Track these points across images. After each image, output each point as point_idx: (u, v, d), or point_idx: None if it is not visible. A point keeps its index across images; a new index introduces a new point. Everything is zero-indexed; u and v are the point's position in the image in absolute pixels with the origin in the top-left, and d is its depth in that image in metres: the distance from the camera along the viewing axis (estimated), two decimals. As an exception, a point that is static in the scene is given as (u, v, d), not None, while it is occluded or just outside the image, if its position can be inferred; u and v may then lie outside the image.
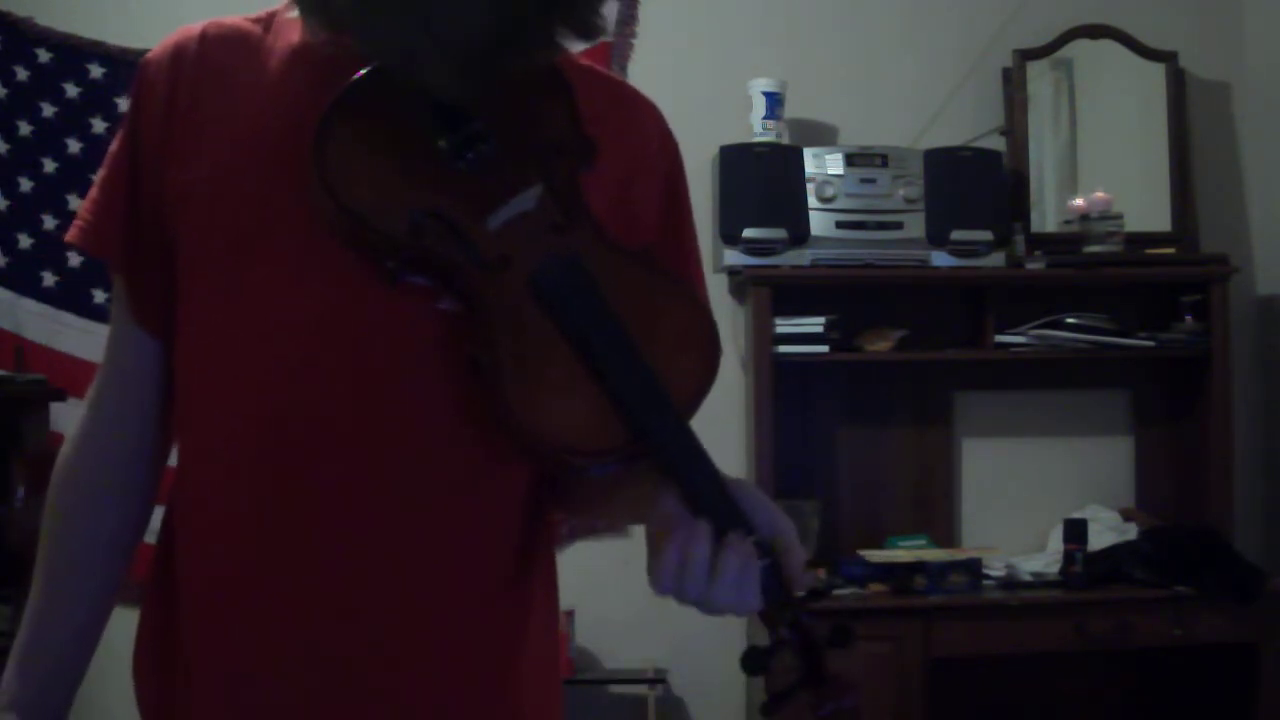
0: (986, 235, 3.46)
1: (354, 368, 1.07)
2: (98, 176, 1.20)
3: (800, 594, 1.02)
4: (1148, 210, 3.62)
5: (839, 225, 3.42)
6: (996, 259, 3.46)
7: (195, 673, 1.13)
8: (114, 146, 1.19)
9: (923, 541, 3.52)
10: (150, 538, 1.25)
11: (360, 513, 1.07)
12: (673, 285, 1.11)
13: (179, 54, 1.18)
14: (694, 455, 1.01)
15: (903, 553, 3.41)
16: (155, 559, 1.20)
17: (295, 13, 1.17)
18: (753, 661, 1.03)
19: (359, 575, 1.08)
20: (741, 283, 3.50)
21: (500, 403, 1.00)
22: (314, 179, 1.04)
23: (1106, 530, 3.47)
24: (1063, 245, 3.55)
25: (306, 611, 1.08)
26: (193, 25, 1.20)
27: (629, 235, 1.12)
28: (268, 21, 1.18)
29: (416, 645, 1.10)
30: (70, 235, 1.20)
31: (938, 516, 3.62)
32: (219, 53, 1.16)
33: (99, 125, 3.57)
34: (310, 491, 1.07)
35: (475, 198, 1.06)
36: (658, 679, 3.38)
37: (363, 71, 1.08)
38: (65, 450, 1.22)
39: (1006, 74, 3.70)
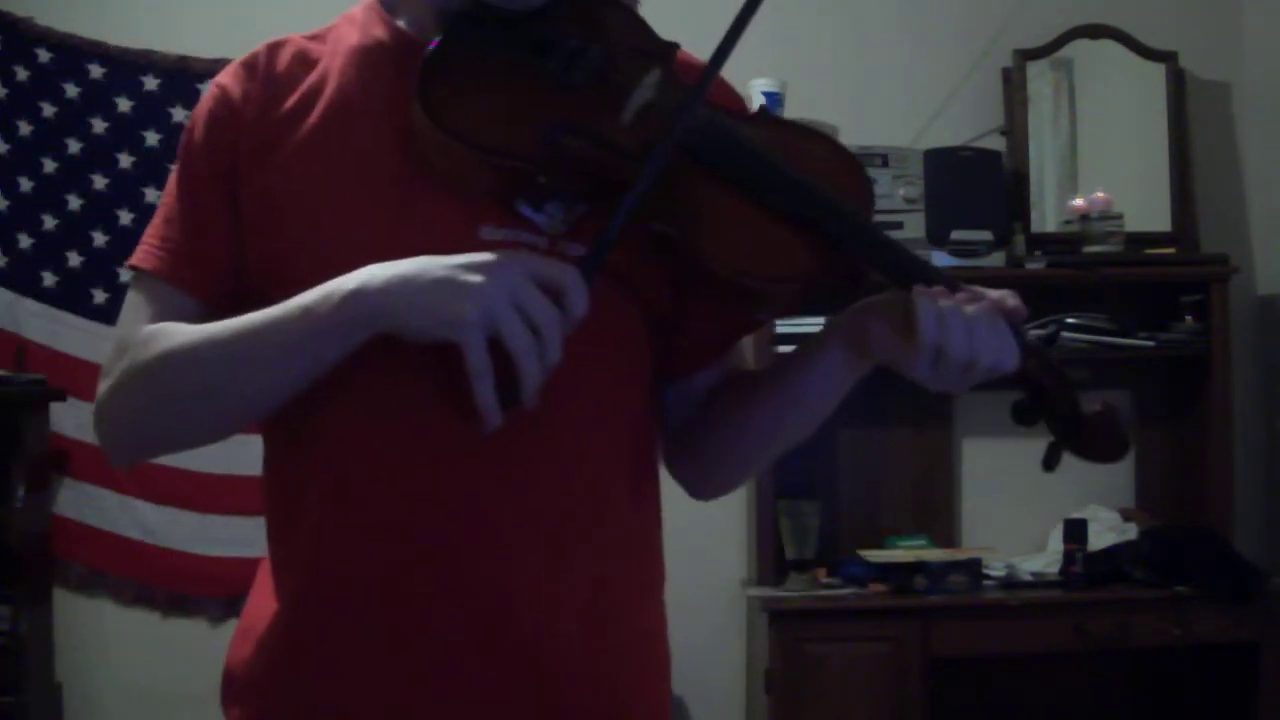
0: (986, 235, 3.46)
1: None
2: (163, 204, 1.23)
3: (1044, 335, 1.11)
4: (1148, 210, 3.61)
5: (839, 225, 3.41)
6: (996, 259, 3.46)
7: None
8: (176, 176, 1.22)
9: (923, 541, 3.52)
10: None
11: (502, 456, 1.10)
12: (800, 130, 1.22)
13: (249, 68, 1.22)
14: (890, 245, 1.12)
15: (903, 553, 3.41)
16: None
17: (349, 20, 1.23)
18: (1024, 412, 1.12)
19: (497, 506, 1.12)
20: (741, 283, 3.50)
21: (701, 260, 1.08)
22: (431, 131, 1.09)
23: (1106, 530, 3.47)
24: (1063, 245, 3.55)
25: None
26: (257, 46, 1.24)
27: None
28: (322, 35, 1.25)
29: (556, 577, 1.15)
30: (149, 264, 1.21)
31: (938, 516, 3.62)
32: (284, 65, 1.22)
33: (99, 125, 3.57)
34: (448, 441, 1.10)
35: (599, 102, 1.13)
36: (658, 679, 3.38)
37: (436, 38, 1.14)
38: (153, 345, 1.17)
39: (1006, 74, 3.70)
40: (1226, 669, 3.38)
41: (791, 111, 3.54)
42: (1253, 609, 3.27)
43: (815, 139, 1.23)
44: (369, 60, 1.20)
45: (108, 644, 3.56)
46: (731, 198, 1.11)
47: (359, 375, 1.11)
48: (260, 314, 1.11)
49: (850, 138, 3.64)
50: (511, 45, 1.14)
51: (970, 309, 1.07)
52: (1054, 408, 1.12)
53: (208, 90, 1.24)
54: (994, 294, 1.10)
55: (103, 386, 1.20)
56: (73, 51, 3.57)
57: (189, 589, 3.51)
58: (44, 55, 3.57)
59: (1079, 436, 1.13)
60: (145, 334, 1.17)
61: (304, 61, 1.22)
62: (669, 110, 1.12)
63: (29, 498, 3.31)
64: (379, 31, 1.22)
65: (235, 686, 1.20)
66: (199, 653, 3.25)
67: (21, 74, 3.56)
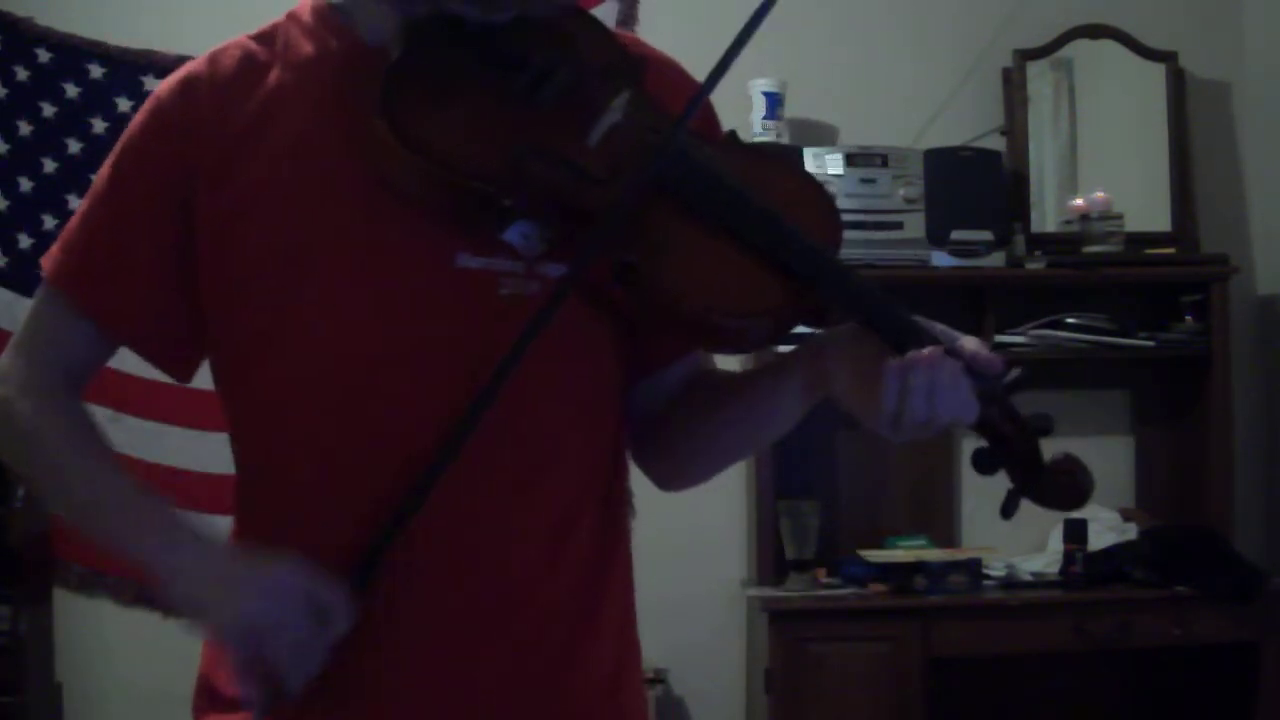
0: (986, 235, 3.45)
1: (440, 342, 1.10)
2: (85, 218, 1.20)
3: (1005, 381, 1.09)
4: (1148, 210, 3.61)
5: (839, 225, 3.41)
6: (996, 259, 3.46)
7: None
8: (107, 186, 1.19)
9: (923, 541, 3.51)
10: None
11: (472, 486, 1.11)
12: (769, 159, 1.20)
13: (191, 84, 1.18)
14: (859, 289, 1.09)
15: (903, 553, 3.41)
16: None
17: (299, 24, 1.19)
18: (983, 461, 1.12)
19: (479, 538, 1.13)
20: (741, 283, 3.50)
21: (663, 294, 1.06)
22: (392, 147, 1.06)
23: (1106, 530, 3.47)
24: (1063, 245, 3.55)
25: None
26: (197, 58, 1.21)
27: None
28: (269, 36, 1.20)
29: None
30: (65, 286, 1.21)
31: (938, 516, 3.62)
32: (231, 76, 1.17)
33: (99, 125, 3.56)
34: (399, 467, 1.09)
35: (566, 123, 1.10)
36: (658, 679, 3.38)
37: (398, 51, 1.10)
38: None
39: (1006, 74, 3.70)
40: (1226, 669, 3.38)
41: (791, 111, 3.55)
42: (1253, 609, 3.27)
43: (784, 168, 1.21)
44: (327, 74, 1.15)
45: (108, 644, 3.56)
46: (700, 231, 1.09)
47: (326, 409, 1.12)
48: (114, 498, 1.17)
49: (850, 138, 3.65)
50: (479, 60, 1.10)
51: (933, 373, 1.04)
52: (1014, 456, 1.12)
53: (145, 106, 1.20)
54: (967, 347, 1.08)
55: None
56: (73, 51, 3.56)
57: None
58: (44, 55, 3.57)
59: (1038, 485, 1.13)
60: (45, 386, 1.20)
61: (252, 67, 1.17)
62: (641, 133, 1.10)
63: (29, 498, 3.31)
64: (336, 43, 1.17)
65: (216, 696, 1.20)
66: (199, 653, 3.25)
67: (21, 74, 3.56)
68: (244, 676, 1.07)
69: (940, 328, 1.09)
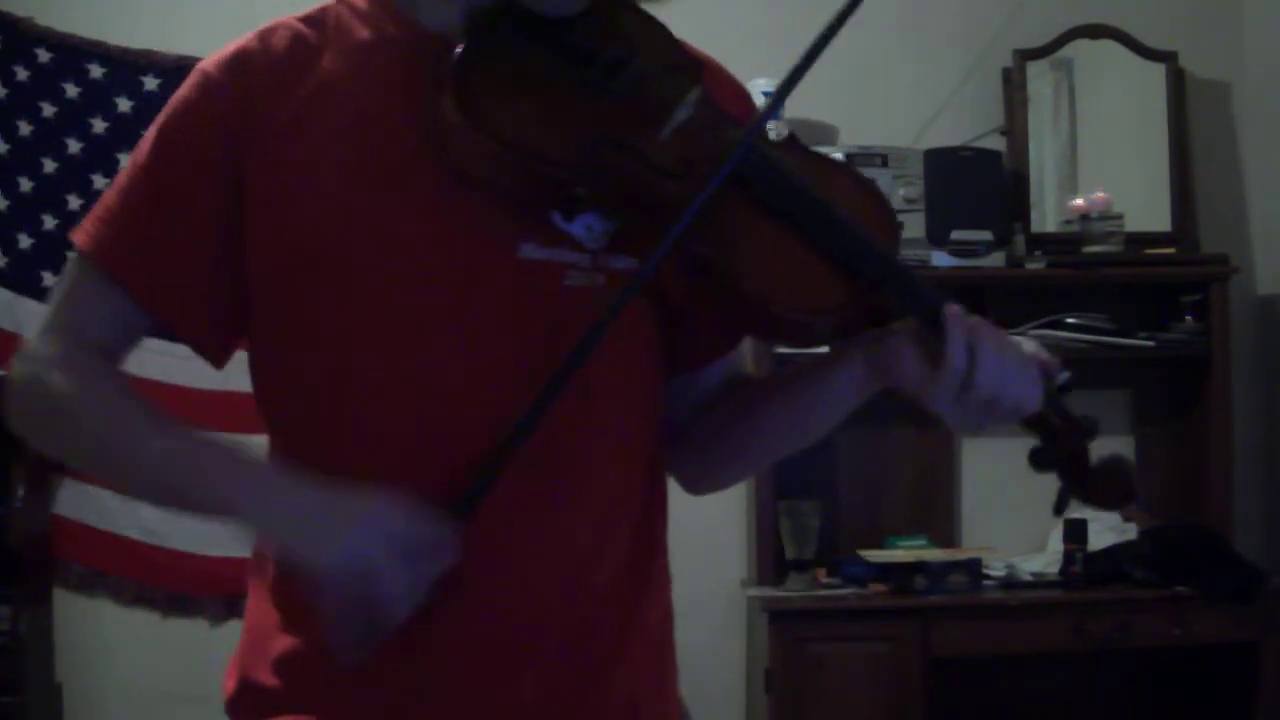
0: (986, 235, 3.45)
1: (503, 329, 1.10)
2: (126, 192, 1.16)
3: (1060, 382, 1.11)
4: (1148, 210, 3.61)
5: (839, 225, 3.41)
6: (996, 259, 3.46)
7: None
8: (150, 159, 1.15)
9: (923, 541, 3.52)
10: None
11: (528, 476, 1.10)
12: (827, 161, 1.21)
13: (243, 60, 1.16)
14: (922, 285, 1.10)
15: (903, 553, 3.41)
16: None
17: (352, 9, 1.17)
18: (1040, 459, 1.14)
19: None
20: (741, 283, 3.50)
21: (737, 286, 1.07)
22: (463, 128, 1.05)
23: (1106, 530, 3.46)
24: (1063, 245, 3.55)
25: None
26: (246, 36, 1.18)
27: None
28: (318, 20, 1.18)
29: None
30: (109, 265, 1.16)
31: (938, 516, 3.62)
32: (282, 55, 1.15)
33: (99, 125, 3.57)
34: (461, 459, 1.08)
35: (638, 116, 1.10)
36: (658, 679, 3.38)
37: (465, 36, 1.10)
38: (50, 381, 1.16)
39: (1006, 74, 3.70)
40: (1226, 669, 3.38)
41: (792, 111, 3.54)
42: (1253, 609, 3.26)
43: (841, 171, 1.23)
44: (388, 59, 1.14)
45: (108, 644, 3.56)
46: (772, 227, 1.10)
47: (385, 402, 1.11)
48: (176, 451, 1.11)
49: (850, 138, 3.65)
50: (549, 50, 1.10)
51: (1000, 339, 1.07)
52: (1067, 455, 1.14)
53: (191, 79, 1.16)
54: (1029, 344, 1.11)
55: (17, 368, 1.17)
56: (73, 51, 3.56)
57: (189, 589, 3.51)
58: (44, 55, 3.57)
59: (1088, 485, 1.15)
60: (79, 359, 1.15)
61: (304, 49, 1.15)
62: (709, 131, 1.11)
63: (29, 498, 3.31)
64: (395, 29, 1.16)
65: (263, 696, 1.17)
66: (199, 653, 3.25)
67: (21, 74, 3.56)
68: (341, 617, 1.02)
69: (988, 323, 1.11)
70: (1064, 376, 1.12)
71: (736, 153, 1.08)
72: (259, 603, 1.20)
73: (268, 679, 1.15)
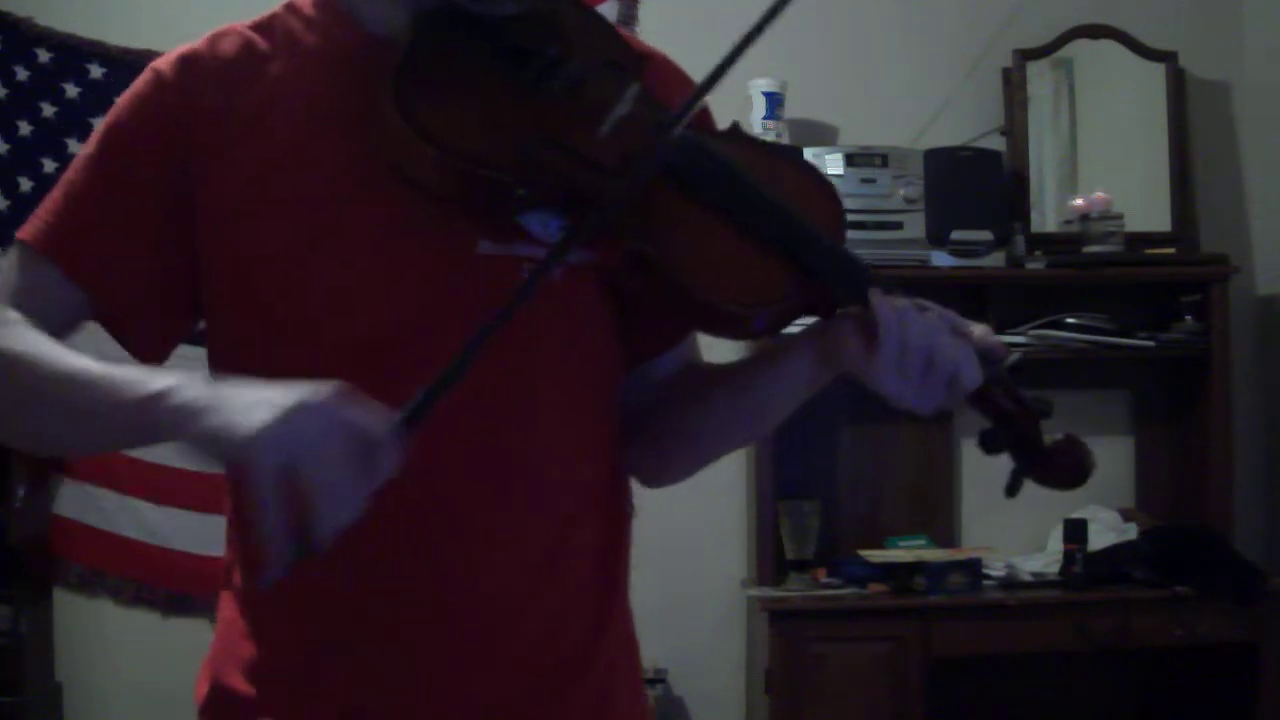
0: (986, 235, 3.45)
1: (461, 325, 1.07)
2: (69, 183, 1.17)
3: (1008, 364, 1.12)
4: (1148, 210, 3.61)
5: (839, 225, 3.41)
6: (996, 259, 3.46)
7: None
8: (97, 156, 1.16)
9: (923, 541, 3.52)
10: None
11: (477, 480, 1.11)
12: (772, 151, 1.21)
13: (193, 62, 1.16)
14: (863, 272, 1.10)
15: (903, 553, 3.41)
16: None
17: (299, 15, 1.18)
18: (989, 441, 1.15)
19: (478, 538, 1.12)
20: (741, 283, 3.50)
21: (673, 282, 1.07)
22: (405, 137, 1.06)
23: (1106, 530, 3.47)
24: (1063, 245, 3.55)
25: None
26: (198, 40, 1.19)
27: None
28: (266, 26, 1.19)
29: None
30: (42, 245, 1.16)
31: (938, 516, 3.62)
32: (232, 60, 1.16)
33: (99, 125, 3.57)
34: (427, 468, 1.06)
35: (576, 114, 1.10)
36: (658, 679, 3.38)
37: (408, 40, 1.10)
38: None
39: (1006, 74, 3.70)
40: (1226, 669, 3.38)
41: (791, 111, 3.55)
42: (1253, 609, 3.26)
43: (787, 160, 1.22)
44: (335, 65, 1.15)
45: (108, 644, 3.56)
46: (710, 220, 1.10)
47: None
48: (104, 379, 1.03)
49: (850, 138, 3.65)
50: (489, 51, 1.10)
51: (927, 314, 1.09)
52: (1018, 437, 1.15)
53: (143, 77, 1.17)
54: (974, 331, 1.11)
55: None
56: (73, 51, 3.57)
57: (189, 589, 3.51)
58: (44, 55, 3.57)
59: (1042, 465, 1.16)
60: (7, 314, 1.11)
61: (253, 54, 1.16)
62: (648, 126, 1.10)
63: (29, 498, 3.31)
64: (341, 34, 1.17)
65: (234, 701, 1.17)
66: (199, 653, 3.24)
67: (21, 74, 3.56)
68: (270, 519, 0.92)
69: (940, 307, 1.12)
70: (1014, 358, 1.12)
71: (661, 143, 1.08)
72: (227, 609, 1.21)
73: (239, 684, 1.16)
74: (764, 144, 1.18)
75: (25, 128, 3.56)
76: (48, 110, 3.57)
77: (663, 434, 1.25)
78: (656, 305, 1.16)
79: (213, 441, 0.95)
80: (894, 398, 1.08)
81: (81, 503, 3.50)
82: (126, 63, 3.54)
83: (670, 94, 1.17)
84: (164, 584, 3.54)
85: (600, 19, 1.20)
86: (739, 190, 1.11)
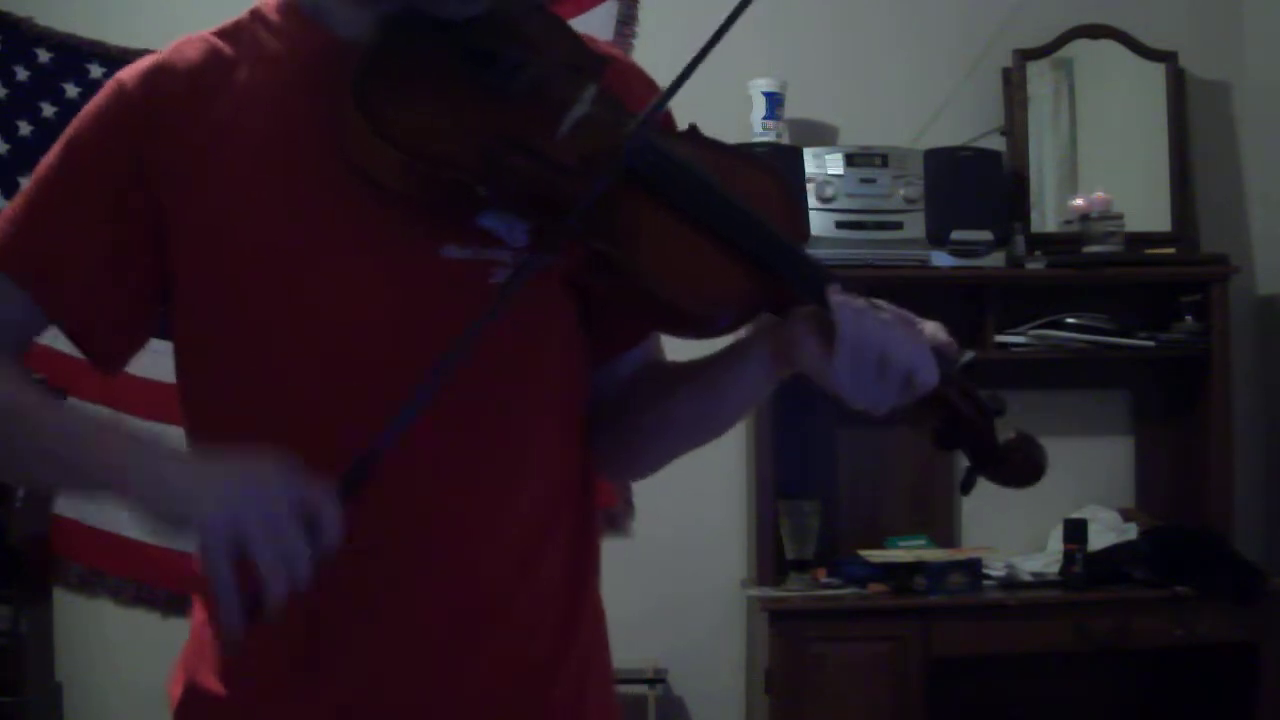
0: (986, 235, 3.46)
1: (430, 330, 1.09)
2: (26, 195, 1.17)
3: (962, 363, 1.12)
4: (1148, 210, 3.61)
5: (839, 225, 3.41)
6: (996, 259, 3.46)
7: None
8: (59, 165, 1.17)
9: (923, 541, 3.52)
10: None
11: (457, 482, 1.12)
12: (732, 152, 1.21)
13: (158, 74, 1.18)
14: (820, 271, 1.11)
15: (903, 553, 3.41)
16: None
17: (265, 21, 1.18)
18: (945, 437, 1.15)
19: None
20: (741, 283, 3.50)
21: (633, 283, 1.09)
22: (367, 139, 1.07)
23: (1106, 530, 3.47)
24: (1063, 245, 3.55)
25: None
26: (163, 50, 1.20)
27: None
28: (232, 33, 1.19)
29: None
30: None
31: (938, 516, 3.62)
32: (198, 71, 1.17)
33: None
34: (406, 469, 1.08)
35: (536, 115, 1.11)
36: (658, 679, 3.37)
37: (368, 44, 1.11)
38: None
39: (1006, 74, 3.70)
40: (1226, 669, 3.38)
41: (791, 111, 3.55)
42: (1253, 609, 3.27)
43: (748, 161, 1.23)
44: (301, 71, 1.15)
45: (108, 644, 3.56)
46: (671, 221, 1.11)
47: (307, 401, 1.12)
48: (71, 423, 1.10)
49: (850, 138, 3.65)
50: (451, 54, 1.12)
51: (880, 311, 1.09)
52: (972, 435, 1.15)
53: (106, 89, 1.19)
54: (927, 329, 1.11)
55: None
56: (73, 51, 3.56)
57: (189, 589, 3.51)
58: (44, 55, 3.57)
59: (995, 463, 1.16)
60: None
61: (219, 63, 1.16)
62: (607, 127, 1.11)
63: (29, 498, 3.31)
64: (308, 39, 1.17)
65: (208, 701, 1.19)
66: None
67: (21, 74, 3.56)
68: (223, 587, 0.97)
69: (895, 308, 1.12)
70: (968, 356, 1.13)
71: (625, 147, 1.09)
72: (201, 612, 1.23)
73: (213, 685, 1.18)
74: (723, 145, 1.19)
75: (25, 128, 3.56)
76: (48, 110, 3.57)
77: (629, 431, 1.26)
78: (620, 305, 1.17)
79: (163, 523, 1.03)
80: (848, 397, 1.08)
81: (81, 503, 3.49)
82: (126, 63, 3.52)
83: (632, 95, 1.18)
84: (164, 584, 3.53)
85: (560, 22, 1.21)
86: (699, 192, 1.12)
